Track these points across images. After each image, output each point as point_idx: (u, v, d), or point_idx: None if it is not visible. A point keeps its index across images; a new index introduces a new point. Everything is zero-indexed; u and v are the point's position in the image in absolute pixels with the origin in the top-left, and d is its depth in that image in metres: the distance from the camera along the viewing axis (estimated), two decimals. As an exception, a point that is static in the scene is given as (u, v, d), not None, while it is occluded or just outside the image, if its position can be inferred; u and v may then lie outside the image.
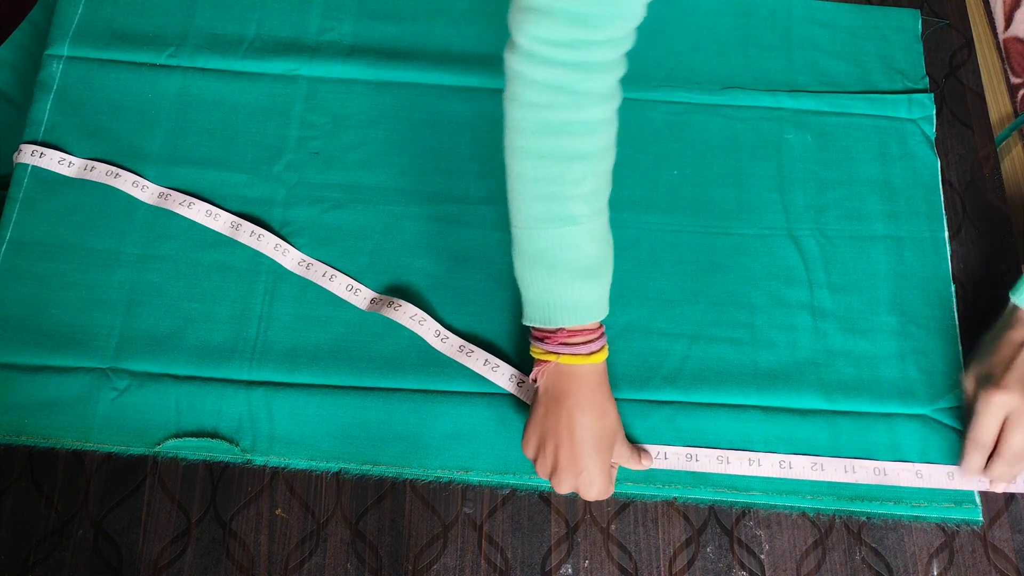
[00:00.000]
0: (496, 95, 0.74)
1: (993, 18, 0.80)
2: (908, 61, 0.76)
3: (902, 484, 0.61)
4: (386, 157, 0.72)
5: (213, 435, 0.62)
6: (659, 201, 0.71)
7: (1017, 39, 0.77)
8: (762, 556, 0.61)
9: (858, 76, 0.76)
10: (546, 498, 0.62)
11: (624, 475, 0.62)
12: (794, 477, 0.61)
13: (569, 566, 0.60)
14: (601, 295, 0.57)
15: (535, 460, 0.57)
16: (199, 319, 0.65)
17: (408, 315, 0.64)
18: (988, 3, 0.79)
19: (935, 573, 0.61)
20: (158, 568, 0.59)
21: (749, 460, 0.62)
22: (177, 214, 0.68)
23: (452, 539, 0.61)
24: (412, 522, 0.61)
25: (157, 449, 0.62)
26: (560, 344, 0.56)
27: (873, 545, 0.61)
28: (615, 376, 0.65)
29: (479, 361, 0.63)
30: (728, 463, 0.61)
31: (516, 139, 0.54)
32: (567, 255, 0.55)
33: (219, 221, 0.67)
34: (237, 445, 0.62)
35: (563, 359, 0.56)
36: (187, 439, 0.62)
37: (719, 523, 0.62)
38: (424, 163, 0.72)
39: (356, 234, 0.69)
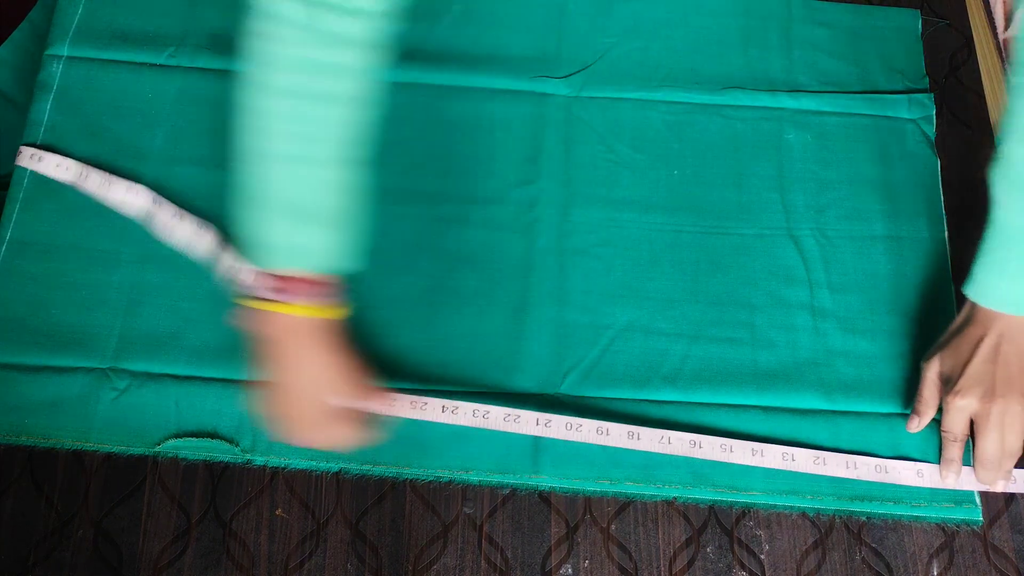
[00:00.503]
0: (496, 95, 0.75)
1: (993, 18, 0.80)
2: (908, 61, 0.77)
3: (903, 482, 0.61)
4: (386, 157, 0.72)
5: (213, 435, 0.62)
6: (659, 201, 0.71)
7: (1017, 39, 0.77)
8: (762, 556, 0.61)
9: (858, 76, 0.76)
10: (546, 498, 0.62)
11: (624, 474, 0.62)
12: (796, 469, 0.61)
13: (569, 566, 0.60)
14: (326, 244, 0.55)
15: (269, 410, 0.57)
16: (199, 319, 0.65)
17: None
18: (988, 3, 0.79)
19: (935, 573, 0.61)
20: (158, 568, 0.59)
21: (752, 450, 0.61)
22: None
23: (452, 539, 0.61)
24: (412, 522, 0.61)
25: (157, 449, 0.62)
26: (278, 290, 0.55)
27: (873, 545, 0.61)
28: (616, 375, 0.65)
29: (467, 414, 0.62)
30: (731, 452, 0.61)
31: (259, 74, 0.53)
32: (292, 196, 0.54)
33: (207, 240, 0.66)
34: (237, 445, 0.62)
35: (281, 307, 0.55)
36: (187, 439, 0.62)
37: (719, 523, 0.62)
38: (424, 163, 0.72)
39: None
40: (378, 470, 0.62)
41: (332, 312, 0.57)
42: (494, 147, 0.73)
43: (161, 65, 0.74)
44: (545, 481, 0.61)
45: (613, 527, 0.61)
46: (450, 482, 0.62)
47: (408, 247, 0.69)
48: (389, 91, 0.74)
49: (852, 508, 0.61)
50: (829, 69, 0.76)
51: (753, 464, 0.61)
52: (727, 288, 0.68)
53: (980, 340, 0.59)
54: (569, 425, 0.61)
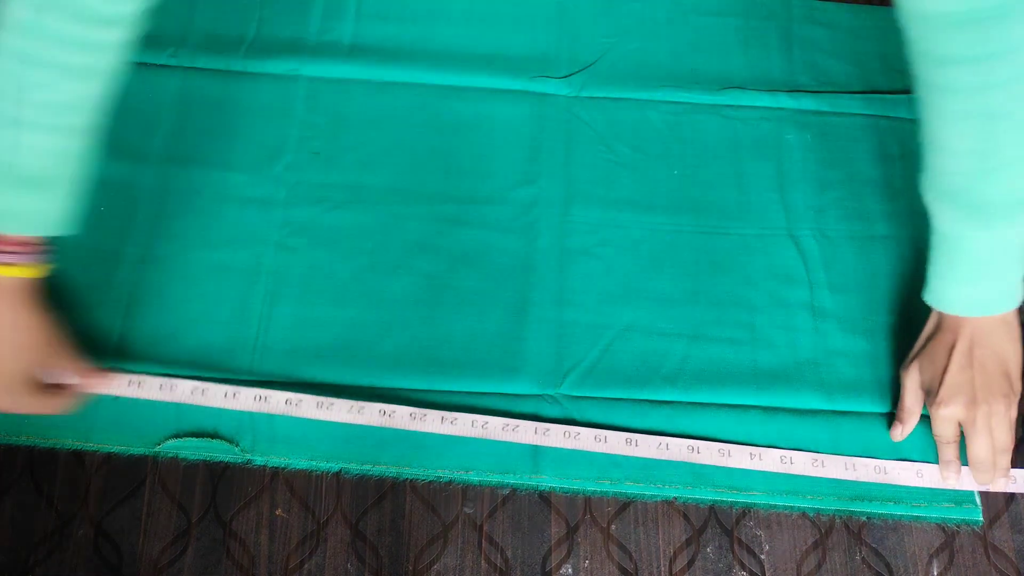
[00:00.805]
0: (496, 95, 0.75)
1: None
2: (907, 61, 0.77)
3: (902, 483, 0.61)
4: (387, 157, 0.72)
5: (213, 435, 0.62)
6: (659, 201, 0.71)
7: (1017, 39, 0.77)
8: (762, 556, 0.61)
9: (858, 76, 0.76)
10: (546, 498, 0.62)
11: (624, 475, 0.62)
12: (794, 472, 0.61)
13: (569, 566, 0.60)
14: (35, 208, 0.55)
15: None
16: (199, 319, 0.65)
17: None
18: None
19: (935, 573, 0.61)
20: (158, 568, 0.59)
21: (751, 454, 0.62)
22: (173, 215, 0.68)
23: (452, 539, 0.61)
24: (412, 522, 0.61)
25: (157, 449, 0.62)
26: None
27: (873, 545, 0.61)
28: (616, 375, 0.65)
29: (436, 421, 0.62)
30: (729, 456, 0.61)
31: None
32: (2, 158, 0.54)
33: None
34: (237, 445, 0.62)
35: None
36: (187, 439, 0.62)
37: (719, 523, 0.62)
38: (425, 163, 0.72)
39: (356, 234, 0.69)
40: (378, 470, 0.62)
41: (32, 271, 0.57)
42: (494, 147, 0.73)
43: (161, 65, 0.74)
44: (545, 481, 0.61)
45: (613, 527, 0.61)
46: (450, 482, 0.62)
47: (408, 247, 0.69)
48: (390, 91, 0.74)
49: (852, 508, 0.61)
50: (829, 69, 0.76)
51: (752, 468, 0.61)
52: (727, 288, 0.68)
53: (953, 345, 0.59)
54: (567, 433, 0.62)
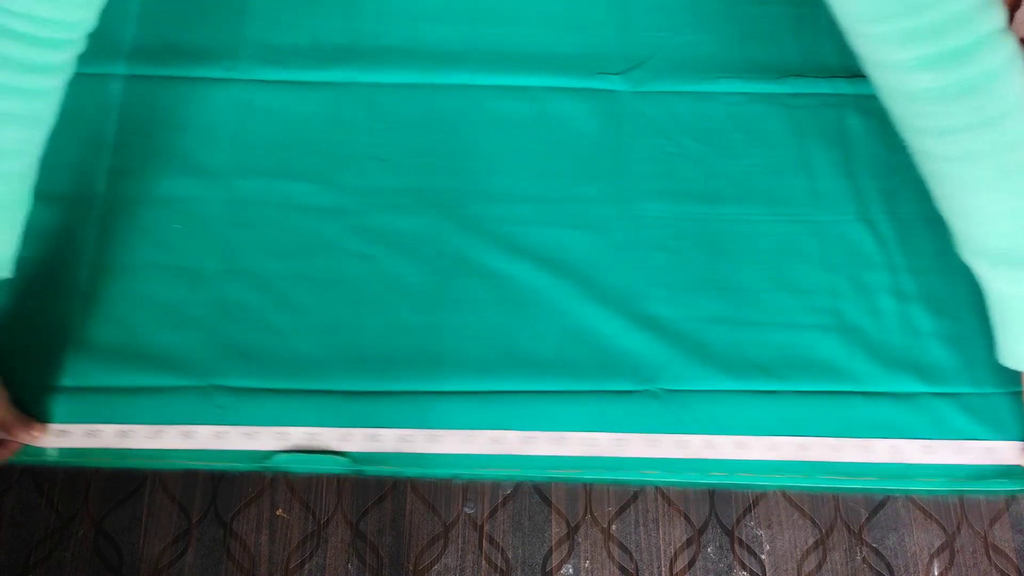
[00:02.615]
0: (555, 94, 0.75)
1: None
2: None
3: (1010, 462, 0.62)
4: (452, 160, 0.71)
5: (325, 450, 0.61)
6: (728, 192, 0.71)
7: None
8: (763, 556, 0.61)
9: None
10: (547, 498, 0.62)
11: (739, 466, 0.62)
12: (906, 461, 0.61)
13: (570, 566, 0.60)
14: None
15: None
16: (290, 331, 0.64)
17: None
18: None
19: (935, 573, 0.61)
20: (159, 568, 0.59)
21: (862, 447, 0.62)
22: (248, 227, 0.67)
23: (453, 539, 0.61)
24: (413, 522, 0.61)
25: (266, 464, 0.61)
26: None
27: (874, 545, 0.61)
28: (712, 366, 0.64)
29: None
30: (841, 451, 0.62)
31: None
32: None
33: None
34: (347, 457, 0.61)
35: None
36: (297, 454, 0.61)
37: (720, 523, 0.62)
38: (491, 165, 0.71)
39: (432, 239, 0.68)
40: (378, 470, 0.62)
41: None
42: (558, 146, 0.72)
43: (219, 79, 0.73)
44: (658, 476, 0.61)
45: (614, 527, 0.61)
46: (451, 478, 0.62)
47: (485, 249, 0.68)
48: (448, 93, 0.74)
49: (966, 488, 0.61)
50: None
51: (863, 460, 0.62)
52: (809, 275, 0.68)
53: None
54: (678, 443, 0.62)
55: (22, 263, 0.65)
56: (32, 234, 0.66)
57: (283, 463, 0.61)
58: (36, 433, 0.59)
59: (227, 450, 0.61)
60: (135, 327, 0.64)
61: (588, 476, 0.62)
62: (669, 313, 0.67)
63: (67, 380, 0.62)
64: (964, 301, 0.67)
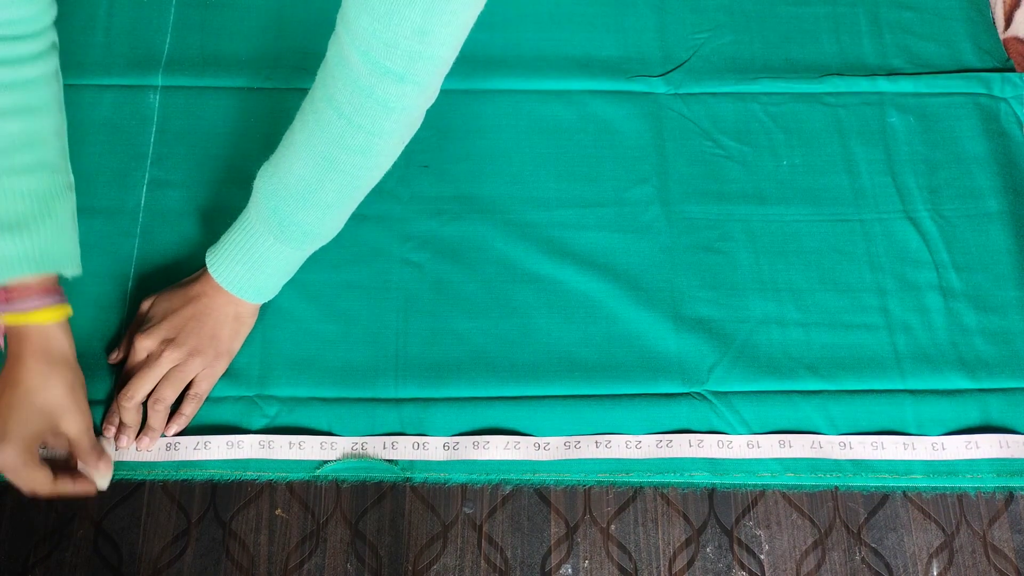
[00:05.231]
0: (597, 97, 0.74)
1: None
2: (990, 43, 0.78)
3: None
4: (496, 165, 0.71)
5: (376, 458, 0.62)
6: (772, 192, 0.71)
7: (1017, 39, 0.77)
8: (762, 556, 0.61)
9: (949, 56, 0.77)
10: (546, 498, 0.62)
11: (783, 467, 0.62)
12: (949, 458, 0.62)
13: (569, 566, 0.60)
14: (20, 252, 0.55)
15: None
16: (336, 340, 0.65)
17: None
18: (989, 3, 0.79)
19: (935, 573, 0.61)
20: (158, 568, 0.59)
21: (904, 444, 0.63)
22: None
23: (452, 539, 0.61)
24: (412, 522, 0.61)
25: (317, 473, 0.61)
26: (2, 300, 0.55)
27: (873, 545, 0.61)
28: (760, 367, 0.65)
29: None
30: (883, 448, 0.63)
31: None
32: None
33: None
34: (396, 464, 0.61)
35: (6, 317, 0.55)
36: (347, 460, 0.61)
37: (719, 523, 0.62)
38: (534, 169, 0.71)
39: (478, 244, 0.68)
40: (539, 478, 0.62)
41: (45, 316, 0.56)
42: (601, 149, 0.73)
43: (259, 88, 0.73)
44: (706, 478, 0.62)
45: (613, 527, 0.61)
46: (446, 483, 0.62)
47: (531, 254, 0.68)
48: (490, 99, 0.73)
49: (1012, 484, 0.62)
50: (922, 51, 0.77)
51: (906, 458, 0.62)
52: (855, 274, 0.69)
53: None
54: (720, 443, 0.62)
55: (66, 277, 0.65)
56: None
57: (333, 472, 0.61)
58: (103, 469, 0.59)
59: (274, 459, 0.61)
60: None
61: (636, 480, 0.62)
62: (720, 314, 0.67)
63: (113, 392, 0.62)
64: (1009, 297, 0.68)
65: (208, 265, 0.61)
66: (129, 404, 0.60)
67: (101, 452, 0.58)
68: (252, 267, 0.60)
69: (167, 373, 0.60)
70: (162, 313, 0.62)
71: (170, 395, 0.60)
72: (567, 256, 0.68)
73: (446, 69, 0.54)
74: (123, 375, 0.61)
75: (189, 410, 0.61)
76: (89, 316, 0.64)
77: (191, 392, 0.61)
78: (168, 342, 0.60)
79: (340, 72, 0.53)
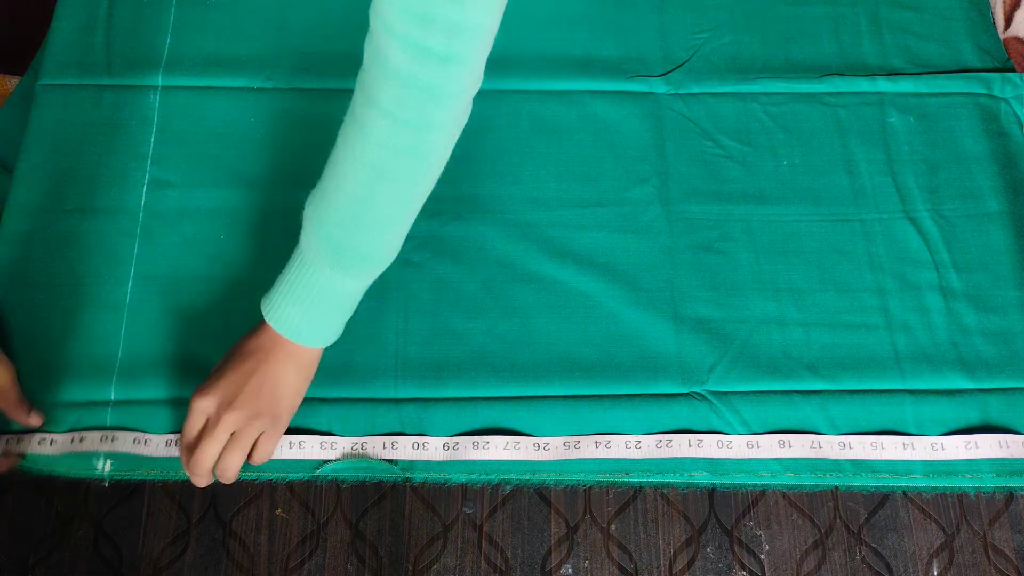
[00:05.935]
0: (597, 97, 0.74)
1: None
2: (991, 43, 0.78)
3: None
4: (495, 166, 0.71)
5: (372, 457, 0.62)
6: (772, 192, 0.71)
7: (1017, 39, 0.77)
8: (762, 556, 0.61)
9: (950, 56, 0.77)
10: (546, 498, 0.62)
11: (783, 467, 0.62)
12: (948, 458, 0.62)
13: (569, 566, 0.60)
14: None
15: None
16: (337, 341, 0.65)
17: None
18: (989, 3, 0.79)
19: (935, 573, 0.61)
20: (158, 568, 0.59)
21: (903, 444, 0.63)
22: (291, 236, 0.66)
23: (452, 539, 0.61)
24: (412, 522, 0.61)
25: (317, 474, 0.61)
26: None
27: (873, 545, 0.61)
28: (760, 367, 0.65)
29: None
30: (883, 448, 0.62)
31: None
32: None
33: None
34: (396, 464, 0.61)
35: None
36: (347, 460, 0.61)
37: (719, 523, 0.62)
38: (535, 169, 0.71)
39: (478, 244, 0.68)
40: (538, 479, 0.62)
41: None
42: (601, 149, 0.73)
43: (259, 88, 0.73)
44: (705, 478, 0.62)
45: (613, 527, 0.61)
46: (446, 483, 0.62)
47: (532, 254, 0.68)
48: (492, 99, 0.71)
49: (1012, 484, 0.62)
50: (922, 51, 0.77)
51: (906, 458, 0.62)
52: (855, 274, 0.69)
53: None
54: (720, 443, 0.62)
55: (65, 277, 0.65)
56: (75, 247, 0.66)
57: (333, 472, 0.61)
58: (34, 421, 0.59)
59: (274, 459, 0.61)
60: (179, 339, 0.64)
61: (636, 480, 0.62)
62: (720, 314, 0.67)
63: (113, 392, 0.62)
64: (1009, 297, 0.68)
65: (263, 312, 0.58)
66: (200, 480, 0.57)
67: (30, 407, 0.59)
68: (310, 306, 0.57)
69: (229, 440, 0.57)
70: (220, 371, 0.58)
71: (236, 463, 0.57)
72: (567, 256, 0.68)
73: (489, 44, 0.52)
74: (182, 435, 0.58)
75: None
76: (89, 316, 0.64)
77: (250, 459, 0.58)
78: (227, 405, 0.56)
79: (378, 71, 0.51)
